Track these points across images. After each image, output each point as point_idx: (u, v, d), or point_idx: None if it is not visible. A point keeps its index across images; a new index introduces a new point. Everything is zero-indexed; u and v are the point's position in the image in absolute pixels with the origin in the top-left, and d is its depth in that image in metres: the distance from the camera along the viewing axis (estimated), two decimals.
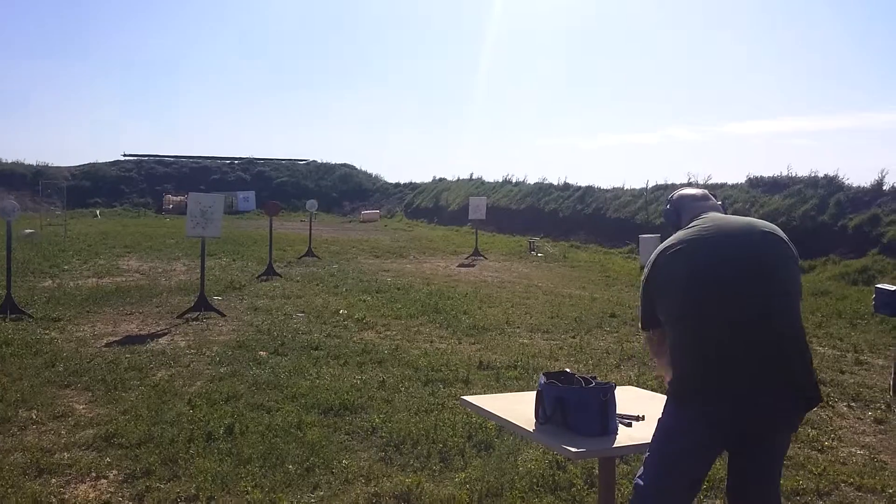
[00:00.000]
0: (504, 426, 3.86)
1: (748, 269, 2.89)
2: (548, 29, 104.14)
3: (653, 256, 3.14)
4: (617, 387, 3.43)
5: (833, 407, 6.88)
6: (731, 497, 3.15)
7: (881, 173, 19.21)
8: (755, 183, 23.01)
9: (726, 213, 3.24)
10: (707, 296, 2.87)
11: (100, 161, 46.20)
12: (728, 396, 2.84)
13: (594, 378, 3.57)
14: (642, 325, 3.23)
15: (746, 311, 2.84)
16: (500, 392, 6.27)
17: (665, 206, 3.45)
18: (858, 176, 38.93)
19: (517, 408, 3.71)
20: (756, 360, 2.81)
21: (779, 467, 3.08)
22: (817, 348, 9.50)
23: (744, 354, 2.81)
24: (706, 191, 3.36)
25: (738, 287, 2.86)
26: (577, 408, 3.33)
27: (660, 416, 3.04)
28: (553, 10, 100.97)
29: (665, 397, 3.05)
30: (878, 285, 3.28)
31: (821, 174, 21.11)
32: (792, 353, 2.86)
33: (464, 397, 4.12)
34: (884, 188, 19.03)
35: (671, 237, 3.14)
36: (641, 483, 2.97)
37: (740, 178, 23.60)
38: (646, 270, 3.14)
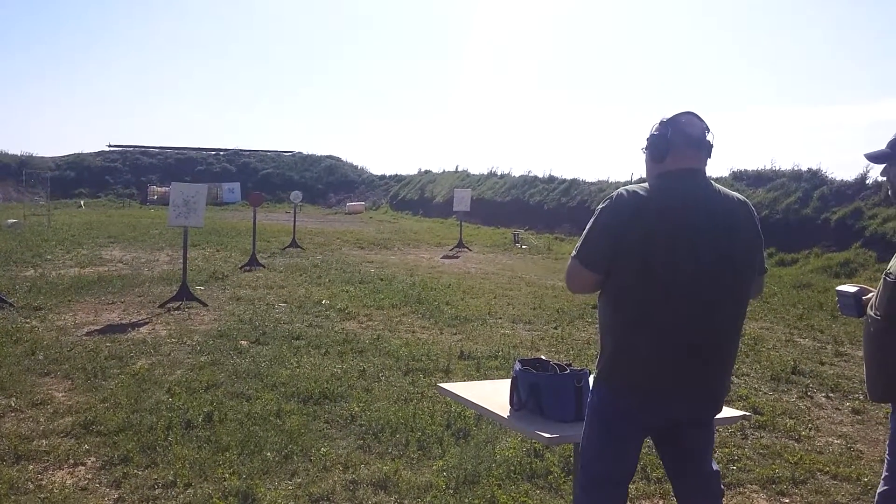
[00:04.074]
0: (479, 412, 3.88)
1: (721, 275, 2.81)
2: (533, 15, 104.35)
3: (630, 199, 2.80)
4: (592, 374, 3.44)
5: (811, 397, 6.93)
6: (672, 480, 3.20)
7: (865, 167, 19.16)
8: (739, 176, 23.08)
9: (708, 180, 2.93)
10: (677, 282, 2.77)
11: (84, 151, 46.01)
12: (658, 395, 2.87)
13: (569, 365, 3.59)
14: (587, 262, 2.87)
15: (704, 317, 2.80)
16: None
17: (653, 132, 2.96)
18: (842, 169, 39.26)
19: (493, 395, 3.72)
20: (695, 366, 2.84)
21: (706, 445, 3.10)
22: (798, 340, 9.58)
23: (686, 357, 2.81)
24: (705, 128, 2.92)
25: (705, 291, 2.79)
26: (552, 394, 3.36)
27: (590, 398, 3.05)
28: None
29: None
30: (839, 287, 3.22)
31: (804, 167, 21.22)
32: (727, 368, 2.95)
33: (441, 384, 4.14)
34: (867, 182, 18.97)
35: (654, 187, 2.86)
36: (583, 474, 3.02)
37: (724, 172, 23.61)
38: (622, 210, 2.80)
